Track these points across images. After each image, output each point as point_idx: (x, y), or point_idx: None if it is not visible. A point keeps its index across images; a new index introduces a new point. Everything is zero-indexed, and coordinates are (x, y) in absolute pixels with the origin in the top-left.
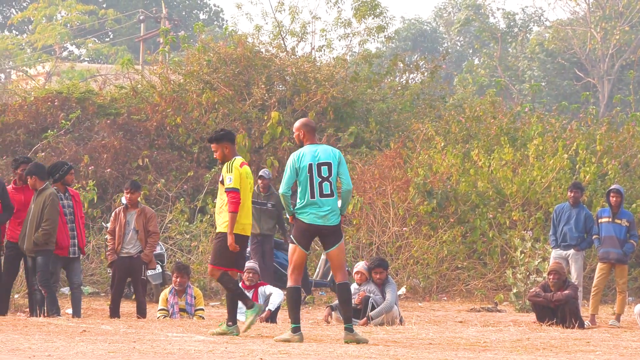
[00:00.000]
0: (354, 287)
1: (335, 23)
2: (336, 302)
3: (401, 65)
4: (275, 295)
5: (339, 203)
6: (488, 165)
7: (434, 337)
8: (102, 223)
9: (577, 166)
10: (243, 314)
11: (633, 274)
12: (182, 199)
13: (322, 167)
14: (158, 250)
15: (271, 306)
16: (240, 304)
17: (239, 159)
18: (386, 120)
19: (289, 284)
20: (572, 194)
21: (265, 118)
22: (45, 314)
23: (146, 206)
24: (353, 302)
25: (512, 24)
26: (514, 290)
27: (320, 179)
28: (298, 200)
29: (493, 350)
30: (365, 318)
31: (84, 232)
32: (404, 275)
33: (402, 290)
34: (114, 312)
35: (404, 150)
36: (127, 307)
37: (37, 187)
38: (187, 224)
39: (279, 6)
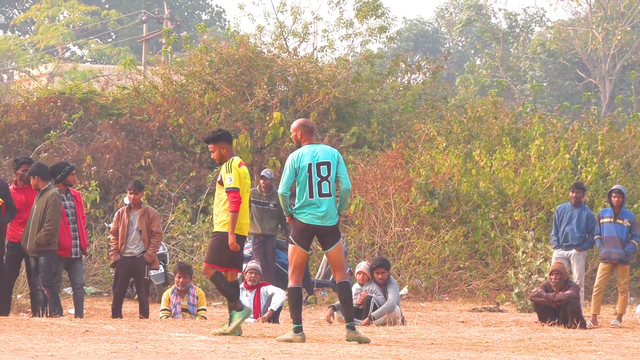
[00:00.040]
0: (356, 287)
1: (337, 23)
2: (338, 302)
3: (403, 65)
4: (278, 296)
5: (337, 203)
6: (490, 165)
7: (436, 337)
8: (105, 223)
9: (579, 166)
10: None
11: (635, 274)
12: (184, 199)
13: (321, 166)
14: (160, 250)
15: (273, 306)
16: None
17: (237, 159)
18: (388, 120)
19: (290, 284)
20: (573, 194)
21: (268, 118)
22: (48, 314)
23: (149, 206)
24: (355, 302)
25: (513, 24)
26: (516, 291)
27: (320, 179)
28: (296, 200)
29: (495, 350)
30: (367, 318)
31: (85, 232)
32: (405, 275)
33: (404, 290)
34: (116, 312)
35: (406, 151)
36: (130, 307)
37: (39, 188)
38: (190, 224)
39: (281, 7)
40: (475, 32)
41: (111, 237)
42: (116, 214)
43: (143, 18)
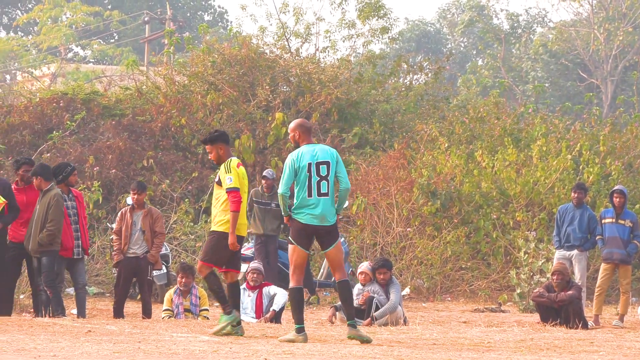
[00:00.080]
0: (358, 287)
1: (340, 24)
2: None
3: (405, 66)
4: (280, 296)
5: (336, 202)
6: (492, 166)
7: (438, 337)
8: (107, 224)
9: (581, 167)
10: (245, 314)
11: (637, 275)
12: (186, 200)
13: (320, 166)
14: (163, 250)
15: (275, 307)
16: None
17: (235, 160)
18: (390, 121)
19: (291, 284)
20: (575, 195)
21: (270, 119)
22: (51, 315)
23: (153, 207)
24: (357, 302)
25: (515, 25)
26: (518, 291)
27: (319, 178)
28: (294, 200)
29: (497, 350)
30: (369, 318)
31: (87, 232)
32: (407, 275)
33: (406, 290)
34: (118, 312)
35: (408, 151)
36: (133, 307)
37: (42, 188)
38: (192, 224)
39: (283, 7)
40: (477, 33)
41: (114, 237)
42: (119, 214)
43: (145, 19)
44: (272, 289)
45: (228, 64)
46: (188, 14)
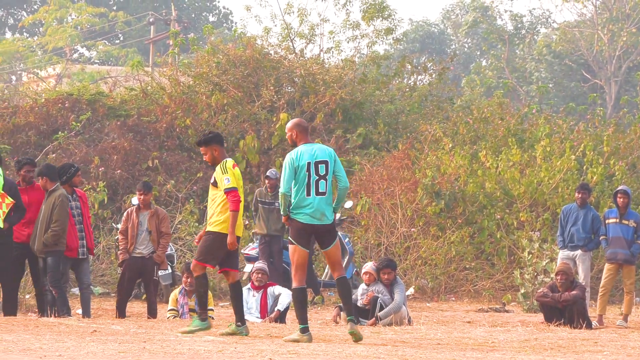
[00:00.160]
0: (362, 287)
1: (344, 25)
2: None
3: (409, 67)
4: (284, 296)
5: (334, 201)
6: (496, 166)
7: (442, 337)
8: (113, 224)
9: (585, 167)
10: (250, 314)
11: None
12: (191, 200)
13: (319, 165)
14: (168, 251)
15: (280, 307)
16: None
17: (230, 161)
18: (394, 121)
19: (294, 285)
20: (579, 195)
21: (274, 119)
22: (56, 315)
23: (159, 207)
24: (362, 302)
25: (519, 25)
26: (522, 291)
27: (317, 177)
28: (292, 200)
29: (501, 350)
30: (373, 318)
31: (92, 232)
32: (412, 275)
33: (411, 290)
34: (120, 311)
35: (412, 152)
36: (138, 307)
37: (47, 188)
38: (197, 224)
39: (288, 8)
40: (481, 34)
41: (120, 236)
42: (125, 214)
43: (150, 20)
44: (276, 289)
45: (233, 64)
46: (193, 15)
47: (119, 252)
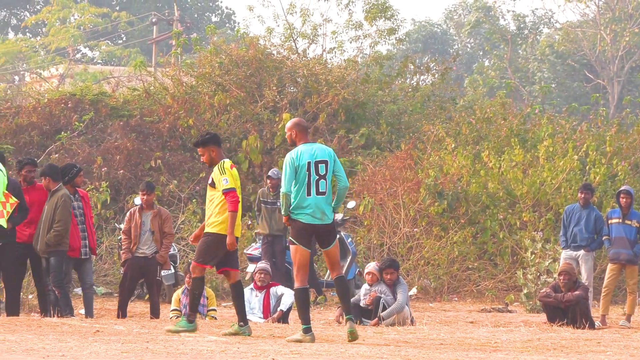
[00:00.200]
0: (365, 287)
1: (347, 25)
2: None
3: (412, 67)
4: (287, 296)
5: (334, 200)
6: (498, 166)
7: (445, 337)
8: (115, 224)
9: (587, 167)
10: (253, 314)
11: None
12: (194, 200)
13: (319, 164)
14: (171, 251)
15: (283, 307)
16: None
17: (227, 161)
18: (397, 121)
19: (296, 285)
20: (582, 195)
21: (277, 120)
22: (59, 315)
23: (162, 208)
24: (364, 302)
25: (522, 26)
26: (525, 291)
27: (318, 177)
28: (293, 200)
29: (504, 350)
30: (376, 318)
31: (94, 232)
32: (415, 275)
33: (413, 290)
34: (122, 311)
35: (415, 152)
36: (141, 307)
37: (50, 188)
38: (200, 225)
39: (291, 9)
40: (483, 34)
41: (123, 236)
42: (128, 213)
43: (153, 20)
44: (279, 289)
45: (235, 64)
46: (195, 15)
47: (121, 251)
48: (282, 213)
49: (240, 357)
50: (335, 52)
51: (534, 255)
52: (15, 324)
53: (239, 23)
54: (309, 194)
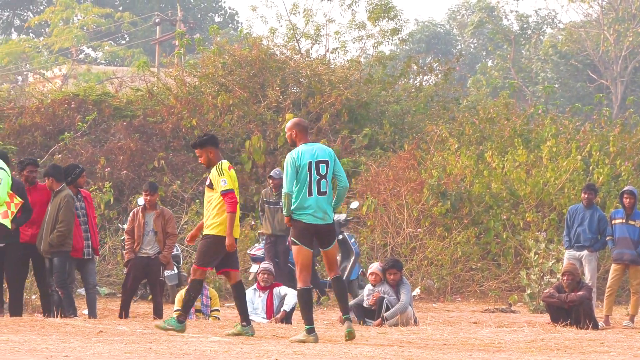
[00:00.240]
0: (368, 288)
1: (350, 26)
2: (351, 302)
3: (415, 67)
4: (290, 296)
5: (333, 200)
6: (502, 166)
7: (449, 337)
8: (119, 224)
9: (591, 167)
10: (256, 315)
11: None
12: (197, 201)
13: (320, 164)
14: (174, 251)
15: (286, 307)
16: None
17: (225, 163)
18: (400, 122)
19: (299, 285)
20: (585, 195)
21: (280, 120)
22: (62, 315)
23: (165, 208)
24: (367, 303)
25: (525, 26)
26: (528, 291)
27: (319, 177)
28: (294, 200)
29: (507, 351)
30: (379, 319)
31: (97, 233)
32: (418, 276)
33: (417, 291)
34: (124, 311)
35: (418, 152)
36: (144, 307)
37: (53, 189)
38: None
39: (294, 9)
40: (487, 34)
41: (126, 236)
42: (131, 214)
43: (156, 20)
44: (282, 290)
45: (238, 65)
46: (199, 16)
47: (124, 252)
48: (284, 213)
49: (243, 357)
50: (338, 52)
51: (537, 256)
52: (18, 325)
53: (242, 23)
54: (310, 194)
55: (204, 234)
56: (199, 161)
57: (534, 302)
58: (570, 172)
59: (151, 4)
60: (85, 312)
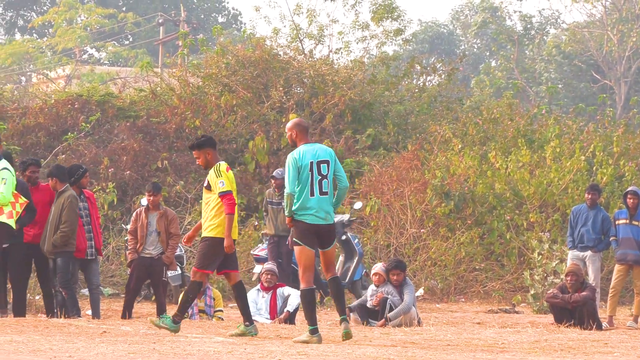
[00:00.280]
0: (371, 288)
1: (353, 26)
2: (355, 303)
3: (418, 67)
4: (294, 297)
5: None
6: (505, 167)
7: (452, 338)
8: (122, 225)
9: (594, 168)
10: (260, 315)
11: None
12: (201, 201)
13: (321, 164)
14: (177, 252)
15: (289, 308)
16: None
17: (223, 164)
18: (403, 122)
19: (302, 286)
20: (589, 196)
21: (284, 120)
22: (65, 315)
23: (168, 208)
24: (371, 303)
25: (528, 26)
26: (532, 292)
27: (320, 177)
28: (296, 200)
29: (511, 351)
30: (383, 319)
31: (100, 233)
32: (421, 276)
33: (420, 291)
34: (127, 311)
35: (422, 152)
36: (147, 308)
37: (57, 189)
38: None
39: (297, 9)
40: (490, 34)
41: (129, 237)
42: (134, 214)
43: (160, 21)
44: (286, 290)
45: (242, 65)
46: (202, 16)
47: (127, 252)
48: (286, 214)
49: (247, 358)
50: (341, 52)
51: (541, 256)
52: (22, 325)
53: (245, 24)
54: (312, 194)
55: (202, 235)
56: (197, 162)
57: (538, 303)
58: (574, 173)
59: (155, 4)
60: (89, 312)
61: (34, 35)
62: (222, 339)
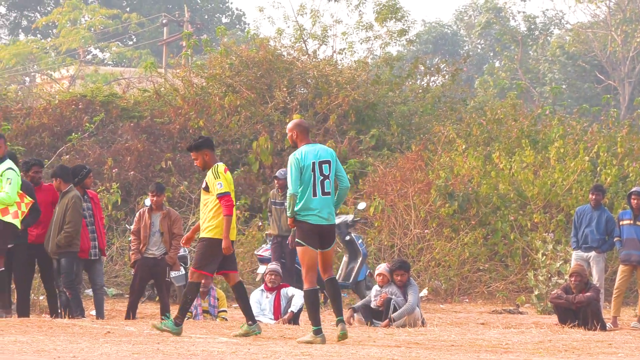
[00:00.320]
0: (375, 289)
1: (357, 26)
2: (358, 303)
3: (422, 68)
4: (298, 297)
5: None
6: (509, 167)
7: (456, 339)
8: (126, 225)
9: (598, 168)
10: (264, 316)
11: None
12: None
13: (323, 165)
14: (181, 252)
15: (293, 308)
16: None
17: (221, 165)
18: (407, 122)
19: (306, 287)
20: (593, 197)
21: (287, 121)
22: (69, 316)
23: (171, 209)
24: (375, 304)
25: (532, 27)
26: (536, 292)
27: (322, 177)
28: (298, 201)
29: (515, 352)
30: (387, 320)
31: (104, 233)
32: (425, 277)
33: (424, 292)
34: (132, 312)
35: (426, 153)
36: (151, 308)
37: (61, 190)
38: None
39: (301, 10)
40: (494, 35)
41: (132, 237)
42: (137, 214)
43: (164, 21)
44: (290, 290)
45: (246, 66)
46: (206, 17)
47: (130, 252)
48: (288, 214)
49: (250, 358)
50: (345, 53)
51: (545, 257)
52: (26, 325)
53: (249, 24)
54: (314, 194)
55: (200, 237)
56: (195, 164)
57: (542, 303)
58: (578, 173)
59: (158, 5)
60: (93, 312)
61: (38, 35)
62: (226, 339)
